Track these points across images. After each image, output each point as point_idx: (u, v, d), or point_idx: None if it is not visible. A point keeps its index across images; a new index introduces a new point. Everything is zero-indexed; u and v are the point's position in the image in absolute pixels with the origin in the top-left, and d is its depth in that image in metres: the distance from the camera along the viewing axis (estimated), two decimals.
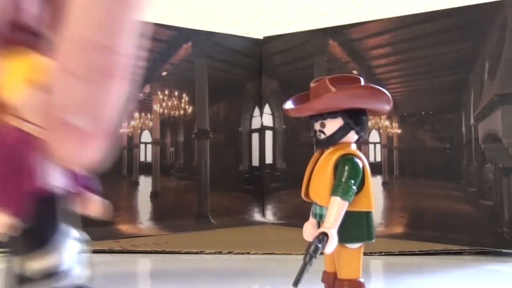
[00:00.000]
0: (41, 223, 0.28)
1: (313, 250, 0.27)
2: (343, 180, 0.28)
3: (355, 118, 0.29)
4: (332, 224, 0.28)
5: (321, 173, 0.29)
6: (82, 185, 0.31)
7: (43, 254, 0.28)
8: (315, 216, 0.30)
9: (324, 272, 0.32)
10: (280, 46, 0.77)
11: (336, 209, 0.28)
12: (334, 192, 0.28)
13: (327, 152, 0.30)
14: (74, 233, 0.30)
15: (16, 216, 0.27)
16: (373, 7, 0.81)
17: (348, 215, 0.28)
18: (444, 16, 0.62)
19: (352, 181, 0.28)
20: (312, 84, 0.30)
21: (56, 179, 0.28)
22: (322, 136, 0.30)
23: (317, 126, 0.30)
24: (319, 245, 0.27)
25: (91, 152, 0.24)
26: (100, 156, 0.24)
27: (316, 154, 0.31)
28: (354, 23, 0.71)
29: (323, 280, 0.32)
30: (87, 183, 0.31)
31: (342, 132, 0.29)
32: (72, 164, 0.26)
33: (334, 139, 0.30)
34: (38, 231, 0.28)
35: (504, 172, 0.58)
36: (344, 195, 0.28)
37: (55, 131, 0.24)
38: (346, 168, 0.29)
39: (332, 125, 0.29)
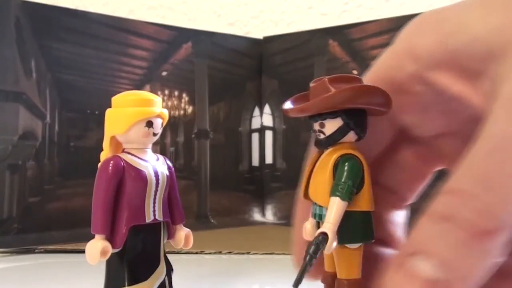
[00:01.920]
0: (141, 256, 0.29)
1: (313, 250, 0.27)
2: (343, 180, 0.28)
3: (355, 119, 0.29)
4: (332, 224, 0.28)
5: (320, 173, 0.29)
6: (173, 216, 0.31)
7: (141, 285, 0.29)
8: (314, 216, 0.30)
9: (324, 272, 0.32)
10: (280, 46, 0.77)
11: (335, 209, 0.28)
12: (333, 192, 0.28)
13: (326, 152, 0.30)
14: (164, 262, 0.31)
15: (112, 243, 0.28)
16: (373, 7, 0.81)
17: (348, 215, 0.28)
18: None
19: (352, 181, 0.28)
20: (311, 84, 0.30)
21: (154, 211, 0.29)
22: (322, 136, 0.30)
23: (316, 126, 0.30)
24: (319, 245, 0.27)
25: None
26: None
27: (315, 155, 0.31)
28: (354, 23, 0.71)
29: (322, 280, 0.32)
30: (179, 214, 0.32)
31: (341, 132, 0.29)
32: None
33: (334, 139, 0.29)
34: (140, 265, 0.29)
35: None
36: (343, 195, 0.28)
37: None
38: (346, 168, 0.29)
39: (332, 125, 0.29)
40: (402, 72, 0.28)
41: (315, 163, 0.30)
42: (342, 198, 0.28)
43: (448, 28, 0.27)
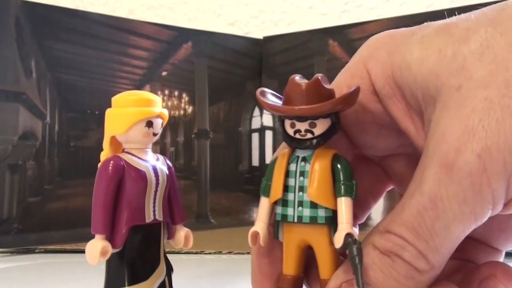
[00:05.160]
0: (141, 256, 0.29)
1: (358, 251, 0.27)
2: (349, 179, 0.28)
3: (338, 119, 0.30)
4: (350, 224, 0.28)
5: (321, 174, 0.29)
6: (173, 216, 0.31)
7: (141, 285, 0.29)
8: (300, 219, 0.29)
9: (283, 276, 0.31)
10: (280, 46, 0.77)
11: (350, 209, 0.28)
12: (346, 192, 0.28)
13: (317, 152, 0.29)
14: (164, 262, 0.31)
15: (112, 243, 0.28)
16: (373, 7, 0.81)
17: (336, 214, 0.28)
18: (444, 16, 0.61)
19: (355, 180, 0.29)
20: (301, 82, 0.29)
21: (154, 211, 0.29)
22: (309, 135, 0.29)
23: (303, 126, 0.29)
24: (357, 244, 0.27)
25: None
26: None
27: (286, 157, 0.30)
28: (354, 23, 0.71)
29: (281, 284, 0.31)
30: (179, 214, 0.31)
31: (330, 132, 0.29)
32: None
33: (325, 139, 0.29)
34: (140, 265, 0.29)
35: None
36: (354, 195, 0.28)
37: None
38: (347, 167, 0.29)
39: (322, 125, 0.29)
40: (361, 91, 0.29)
41: (288, 164, 0.30)
42: (353, 198, 0.28)
43: (398, 62, 0.28)
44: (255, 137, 0.78)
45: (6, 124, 0.60)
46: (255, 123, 0.78)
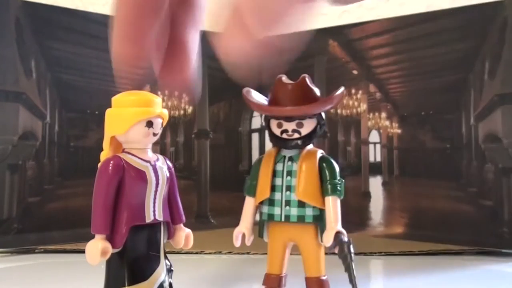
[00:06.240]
0: (142, 256, 0.29)
1: (348, 249, 0.27)
2: (337, 178, 0.29)
3: (322, 120, 0.30)
4: (338, 222, 0.28)
5: (309, 174, 0.29)
6: (173, 216, 0.31)
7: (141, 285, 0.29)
8: (288, 218, 0.29)
9: (268, 276, 0.31)
10: None
11: (338, 207, 0.28)
12: (333, 191, 0.28)
13: (304, 152, 0.30)
14: (164, 262, 0.31)
15: (112, 243, 0.28)
16: (373, 7, 0.81)
17: (323, 213, 0.29)
18: (444, 16, 0.62)
19: (343, 179, 0.29)
20: (287, 82, 0.29)
21: (154, 211, 0.29)
22: (296, 135, 0.29)
23: (291, 126, 0.29)
24: (349, 243, 0.27)
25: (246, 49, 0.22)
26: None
27: (272, 157, 0.30)
28: (354, 23, 0.71)
29: (267, 283, 0.31)
30: (179, 214, 0.31)
31: (316, 131, 0.30)
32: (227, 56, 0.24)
33: (311, 139, 0.30)
34: (140, 265, 0.29)
35: (504, 172, 0.58)
36: (341, 193, 0.28)
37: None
38: (333, 166, 0.29)
39: (309, 126, 0.29)
40: None
41: (274, 164, 0.30)
42: (340, 196, 0.28)
43: None
44: (255, 137, 0.78)
45: (6, 124, 0.60)
46: (255, 123, 0.78)
